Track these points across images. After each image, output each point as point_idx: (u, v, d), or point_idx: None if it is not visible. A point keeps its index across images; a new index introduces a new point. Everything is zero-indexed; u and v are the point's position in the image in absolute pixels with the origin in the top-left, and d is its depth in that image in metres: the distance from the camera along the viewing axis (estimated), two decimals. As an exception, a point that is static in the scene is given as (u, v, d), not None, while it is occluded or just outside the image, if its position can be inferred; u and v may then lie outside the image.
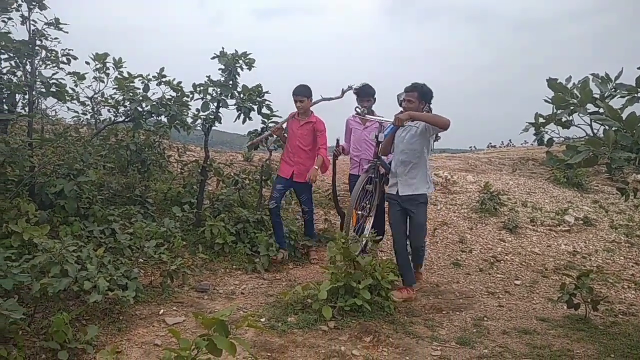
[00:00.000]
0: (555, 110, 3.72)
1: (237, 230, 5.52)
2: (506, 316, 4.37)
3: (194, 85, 5.56)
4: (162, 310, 3.92)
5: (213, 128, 5.85)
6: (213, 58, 5.53)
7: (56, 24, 4.66)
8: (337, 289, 3.99)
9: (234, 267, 5.17)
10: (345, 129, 5.63)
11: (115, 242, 4.52)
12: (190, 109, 5.67)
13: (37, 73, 4.64)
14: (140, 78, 5.56)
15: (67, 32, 4.73)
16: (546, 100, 3.71)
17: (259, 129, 5.98)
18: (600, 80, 3.70)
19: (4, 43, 4.33)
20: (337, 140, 5.40)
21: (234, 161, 8.11)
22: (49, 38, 4.71)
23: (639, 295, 5.32)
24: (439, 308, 4.42)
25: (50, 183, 4.60)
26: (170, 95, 5.55)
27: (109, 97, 5.99)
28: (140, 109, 5.40)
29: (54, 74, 4.74)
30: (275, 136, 5.68)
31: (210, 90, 5.55)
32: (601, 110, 3.50)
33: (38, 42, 4.64)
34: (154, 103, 5.36)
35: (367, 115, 5.06)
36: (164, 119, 5.68)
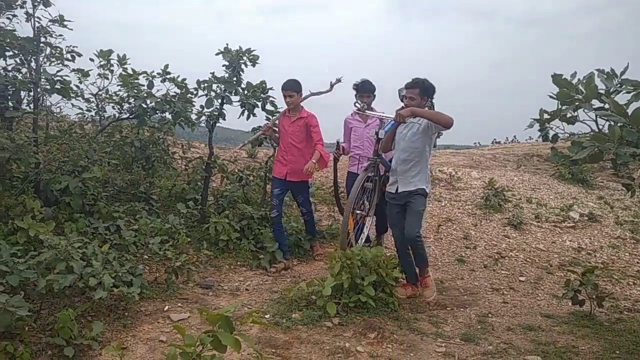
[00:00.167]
0: (560, 106, 3.70)
1: (242, 226, 5.53)
2: (511, 312, 4.36)
3: (198, 82, 5.57)
4: (167, 307, 3.94)
5: (217, 125, 5.85)
6: (217, 54, 5.53)
7: (60, 20, 4.66)
8: (342, 286, 3.98)
9: (239, 263, 5.19)
10: (344, 129, 5.51)
11: (120, 238, 4.54)
12: (194, 105, 5.68)
13: (41, 70, 4.66)
14: (145, 75, 5.58)
15: (71, 29, 4.75)
16: (551, 96, 3.69)
17: (262, 126, 5.98)
18: (605, 76, 3.67)
19: (9, 40, 4.34)
20: (337, 142, 5.28)
21: (238, 158, 8.10)
22: (53, 35, 4.72)
23: (645, 291, 5.30)
24: (443, 304, 4.42)
25: (55, 180, 4.62)
26: (175, 92, 5.57)
27: (113, 94, 6.01)
28: (144, 105, 5.41)
29: (58, 71, 4.76)
30: (266, 136, 5.58)
31: (214, 86, 5.55)
32: (606, 106, 3.48)
33: (43, 39, 4.65)
34: (159, 100, 5.37)
35: (367, 111, 4.92)
36: (168, 115, 5.69)
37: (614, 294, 4.99)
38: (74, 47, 4.90)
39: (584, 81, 3.60)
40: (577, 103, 3.54)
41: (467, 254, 6.02)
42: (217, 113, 5.67)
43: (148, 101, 5.41)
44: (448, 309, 4.35)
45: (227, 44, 5.50)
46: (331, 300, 3.89)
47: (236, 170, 6.60)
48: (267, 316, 3.82)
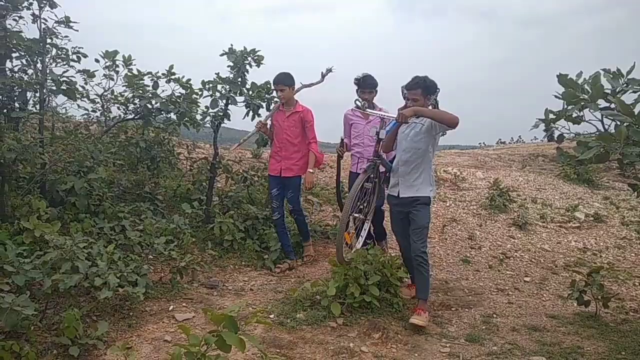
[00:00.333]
0: (565, 106, 3.69)
1: (246, 226, 5.54)
2: (515, 313, 4.35)
3: (203, 83, 5.57)
4: (171, 307, 3.95)
5: (222, 125, 5.85)
6: (222, 55, 5.53)
7: (66, 22, 4.68)
8: (346, 286, 3.98)
9: (243, 263, 5.19)
10: (344, 124, 5.25)
11: (125, 238, 4.55)
12: (199, 106, 5.69)
13: (47, 71, 4.68)
14: (150, 75, 5.60)
15: (77, 30, 4.77)
16: (557, 96, 3.68)
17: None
18: (611, 76, 3.66)
19: (15, 41, 4.36)
20: (342, 139, 5.07)
21: (243, 158, 8.11)
22: (59, 36, 4.74)
23: (651, 292, 5.27)
24: (447, 305, 4.41)
25: (61, 180, 4.64)
26: (180, 92, 5.58)
27: (118, 95, 6.03)
28: (149, 106, 5.43)
29: (64, 72, 4.78)
30: (260, 133, 5.39)
31: (219, 87, 5.55)
32: (612, 106, 3.47)
33: (49, 41, 4.67)
34: (164, 100, 5.39)
35: (367, 110, 4.54)
36: (173, 116, 5.71)
37: (620, 295, 4.97)
38: (79, 48, 4.92)
39: (590, 81, 3.59)
40: (582, 103, 3.53)
41: (472, 255, 6.01)
42: (222, 113, 5.67)
43: (153, 102, 5.43)
44: (453, 309, 4.34)
45: (231, 45, 5.51)
46: (335, 300, 3.89)
47: (241, 171, 6.61)
48: (271, 316, 3.82)
